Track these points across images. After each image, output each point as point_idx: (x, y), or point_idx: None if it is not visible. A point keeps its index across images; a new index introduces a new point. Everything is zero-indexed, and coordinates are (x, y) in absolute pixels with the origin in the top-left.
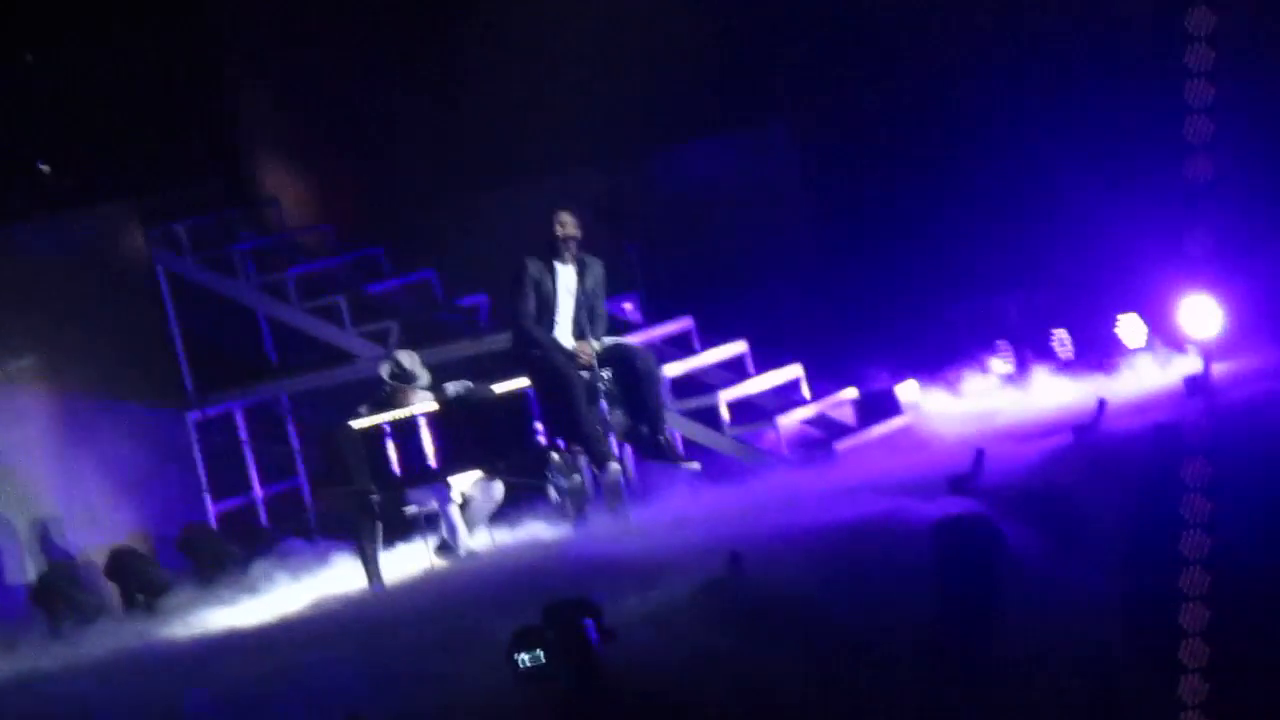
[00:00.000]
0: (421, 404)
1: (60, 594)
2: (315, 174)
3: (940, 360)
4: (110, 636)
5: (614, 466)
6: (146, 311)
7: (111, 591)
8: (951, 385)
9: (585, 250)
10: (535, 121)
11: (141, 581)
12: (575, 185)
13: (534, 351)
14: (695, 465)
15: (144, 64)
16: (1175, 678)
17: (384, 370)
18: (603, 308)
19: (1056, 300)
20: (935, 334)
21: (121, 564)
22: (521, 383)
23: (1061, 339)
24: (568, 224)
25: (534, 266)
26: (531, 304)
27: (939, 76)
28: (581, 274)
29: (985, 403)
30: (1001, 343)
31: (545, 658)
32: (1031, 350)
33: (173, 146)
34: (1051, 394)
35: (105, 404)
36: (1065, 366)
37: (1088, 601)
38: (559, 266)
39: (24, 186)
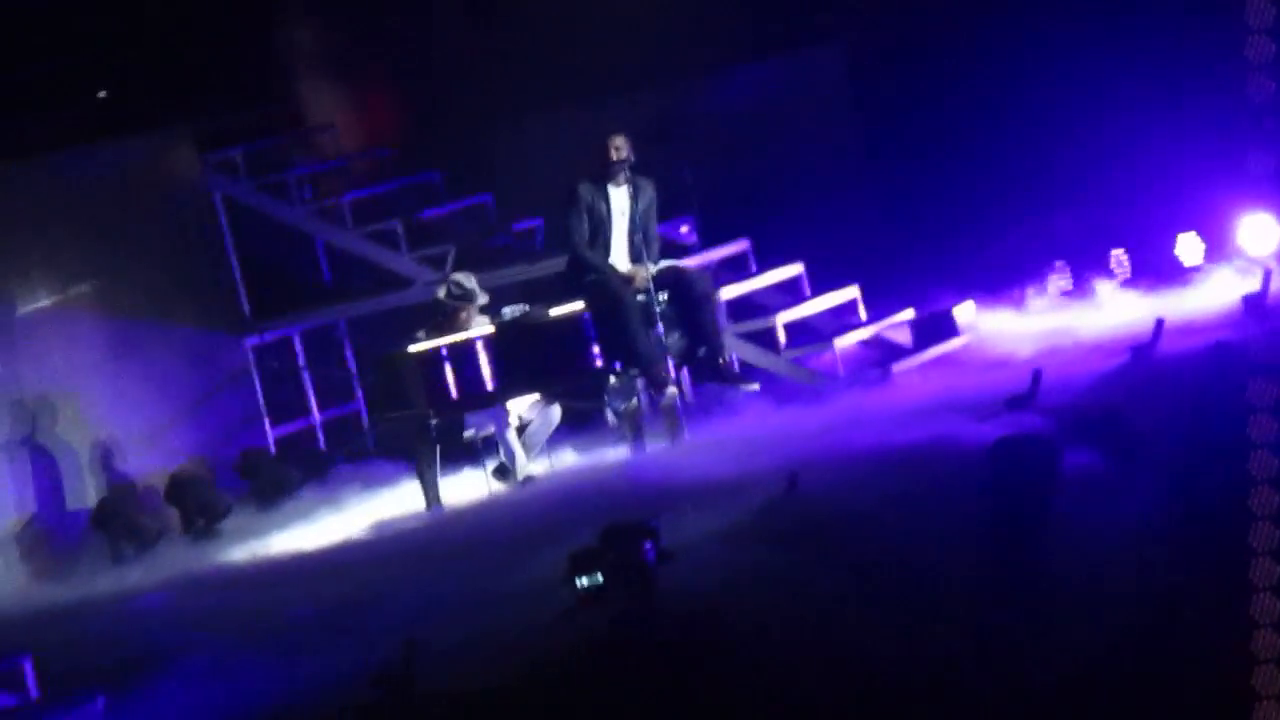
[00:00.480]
0: (478, 328)
1: (120, 518)
2: (371, 99)
3: (998, 280)
4: (170, 560)
5: (670, 390)
6: (203, 236)
7: (171, 515)
8: (1009, 305)
9: (638, 173)
10: (590, 43)
11: (201, 505)
12: (630, 107)
13: (589, 275)
14: (753, 386)
15: None
16: (1232, 597)
17: (441, 291)
18: (656, 230)
19: (1115, 219)
20: (993, 254)
21: (181, 488)
22: (577, 306)
23: (1119, 258)
24: (620, 146)
25: (586, 190)
26: (585, 228)
27: None
28: (634, 196)
29: (1043, 323)
30: (1059, 262)
31: (603, 579)
32: (1089, 269)
33: (230, 71)
34: (1109, 313)
35: (163, 329)
36: (1123, 285)
37: (1145, 521)
38: (611, 189)
39: (81, 111)
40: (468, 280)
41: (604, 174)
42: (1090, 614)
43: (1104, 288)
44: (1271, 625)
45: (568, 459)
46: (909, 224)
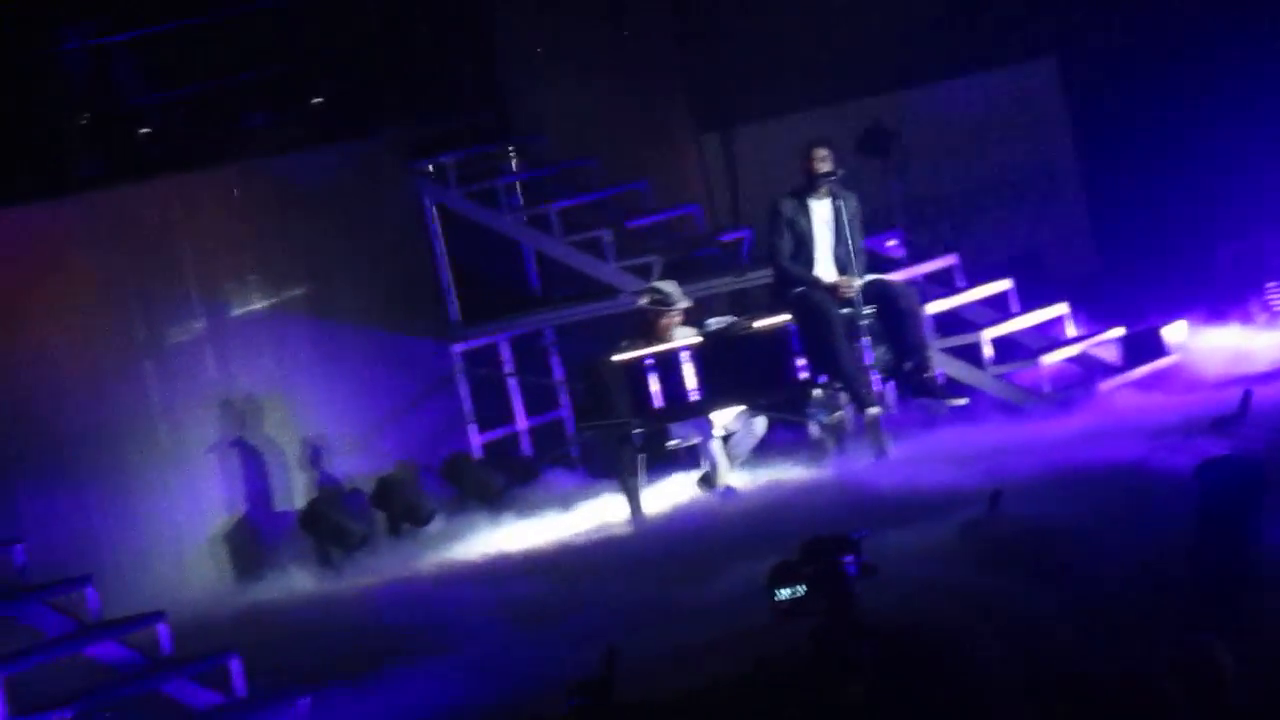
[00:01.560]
0: (683, 338)
1: (327, 520)
2: (581, 108)
3: (1210, 299)
4: (376, 563)
5: (873, 410)
6: (413, 243)
7: (377, 518)
8: (1220, 325)
9: (844, 184)
10: (798, 55)
11: (407, 509)
12: (839, 119)
13: (794, 288)
14: (960, 401)
15: None
16: None
17: (643, 299)
18: (862, 242)
19: None
20: (1205, 272)
21: (388, 491)
22: (783, 318)
23: None
24: (823, 158)
25: (787, 204)
26: (788, 242)
27: (1209, 12)
28: (837, 208)
29: (1253, 344)
30: (1272, 282)
31: (803, 592)
32: None
33: (441, 79)
34: None
35: (372, 333)
36: None
37: None
38: (813, 202)
39: (295, 117)
40: (668, 286)
41: (806, 186)
42: None
43: None
44: None
45: (771, 471)
46: (1120, 240)
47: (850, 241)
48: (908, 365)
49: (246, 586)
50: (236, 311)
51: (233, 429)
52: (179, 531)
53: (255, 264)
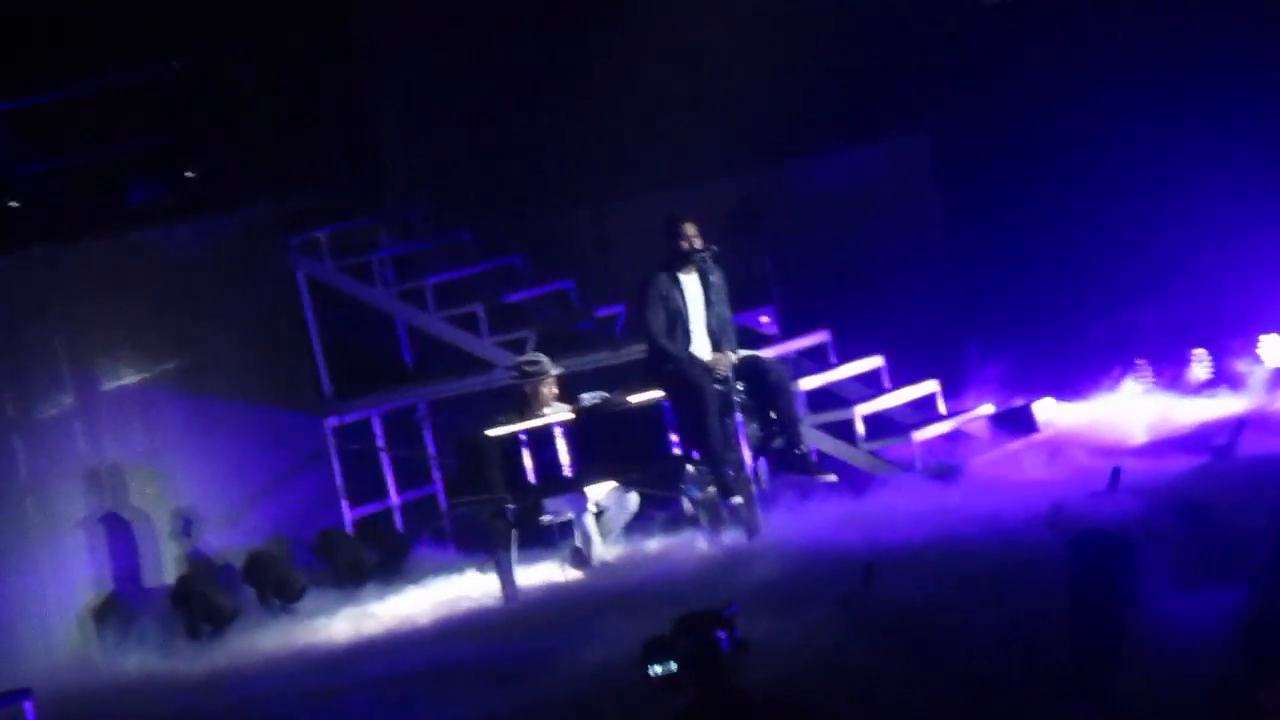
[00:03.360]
0: (557, 413)
1: (198, 596)
2: (455, 182)
3: (1077, 376)
4: (246, 639)
5: (736, 500)
6: (286, 316)
7: (248, 593)
8: (1089, 401)
9: (715, 259)
10: (672, 131)
11: (278, 584)
12: (711, 195)
13: (669, 364)
14: (831, 477)
15: (287, 70)
16: None
17: (512, 373)
18: (729, 315)
19: (1197, 317)
20: (1074, 349)
21: (259, 566)
22: (657, 393)
23: (1201, 356)
24: (691, 234)
25: (660, 280)
26: (661, 318)
27: (1078, 89)
28: (706, 283)
29: (1123, 419)
30: (1140, 359)
31: (677, 668)
32: (1170, 367)
33: (315, 152)
34: (1189, 412)
35: (245, 407)
36: (1204, 385)
37: (1225, 624)
38: (683, 277)
39: (169, 189)
40: (537, 356)
41: (676, 262)
42: (1166, 712)
43: (1184, 386)
44: None
45: (644, 546)
46: (991, 316)
47: (720, 315)
48: (779, 441)
49: (115, 663)
50: (108, 385)
51: (103, 503)
52: (46, 607)
53: (127, 337)
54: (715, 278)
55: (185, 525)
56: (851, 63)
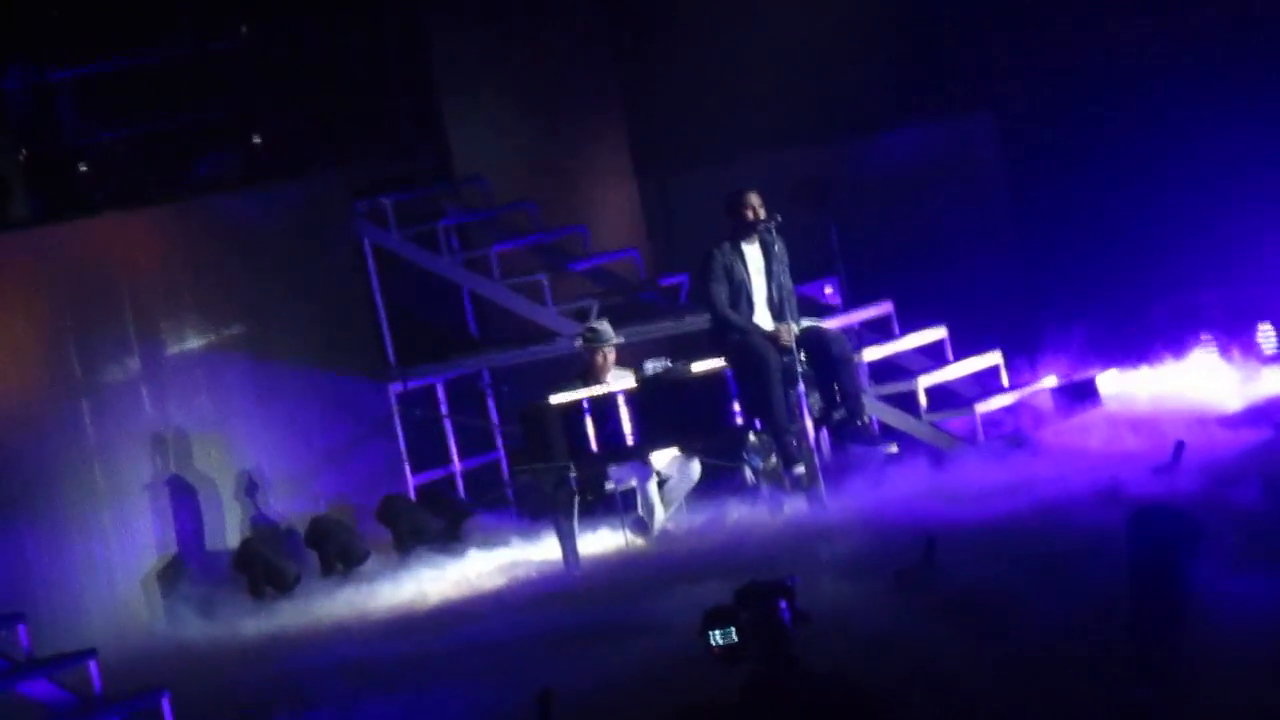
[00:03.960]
0: (620, 381)
1: (261, 560)
2: (519, 151)
3: (1143, 351)
4: (309, 603)
5: (798, 469)
6: (351, 283)
7: (311, 559)
8: (1154, 375)
9: (778, 229)
10: (738, 102)
11: (341, 550)
12: (777, 165)
13: (733, 334)
14: (893, 448)
15: (356, 37)
16: None
17: (577, 342)
18: (792, 286)
19: (1262, 293)
20: (1138, 324)
21: (322, 532)
22: (720, 363)
23: (1266, 332)
24: (755, 205)
25: (722, 253)
26: (724, 290)
27: (1147, 67)
28: (767, 253)
29: (1188, 394)
30: (1205, 334)
31: (737, 637)
32: (1235, 343)
33: (383, 121)
34: (1254, 387)
35: (309, 374)
36: (1269, 360)
37: None
38: (746, 249)
39: (236, 158)
40: (600, 324)
41: (739, 233)
42: (1228, 695)
43: (1250, 361)
44: None
45: (706, 515)
46: (1055, 292)
47: (782, 286)
48: (841, 412)
49: (180, 626)
50: (173, 351)
51: (168, 468)
52: (112, 570)
53: (193, 304)
54: (778, 248)
55: (248, 493)
56: (918, 38)
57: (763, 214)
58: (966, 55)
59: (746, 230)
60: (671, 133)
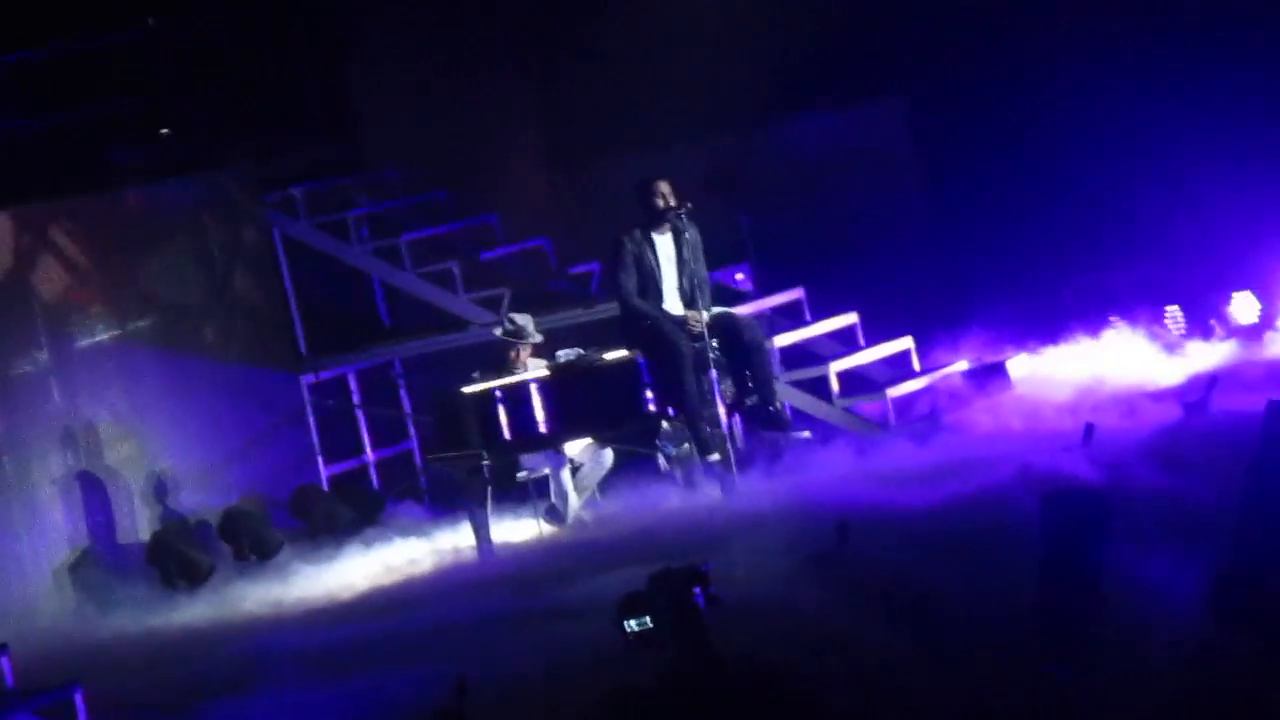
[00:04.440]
0: (533, 370)
1: (174, 553)
2: (430, 141)
3: (1052, 334)
4: (221, 595)
5: (714, 456)
6: (262, 274)
7: (224, 551)
8: (1063, 358)
9: (690, 216)
10: (648, 89)
11: (254, 541)
12: (687, 153)
13: (643, 323)
14: (805, 434)
15: (263, 28)
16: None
17: (498, 330)
18: (705, 273)
19: (1171, 275)
20: (1047, 308)
21: (235, 523)
22: (631, 352)
23: (1174, 314)
24: (665, 193)
25: (631, 240)
26: (633, 279)
27: (1056, 51)
28: (678, 241)
29: (1096, 377)
30: (1114, 317)
31: (652, 623)
32: (1144, 324)
33: (291, 111)
34: (1162, 370)
35: (221, 365)
36: (1176, 342)
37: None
38: (656, 237)
39: (147, 148)
40: (522, 319)
41: (649, 221)
42: (1139, 672)
43: (1157, 343)
44: None
45: (619, 503)
46: (965, 276)
47: (695, 273)
48: (753, 399)
49: (91, 620)
50: (83, 343)
51: (79, 461)
52: (23, 564)
53: (104, 295)
54: (690, 235)
55: (160, 485)
56: (829, 24)
57: (673, 202)
58: (877, 40)
59: (657, 218)
60: (583, 122)
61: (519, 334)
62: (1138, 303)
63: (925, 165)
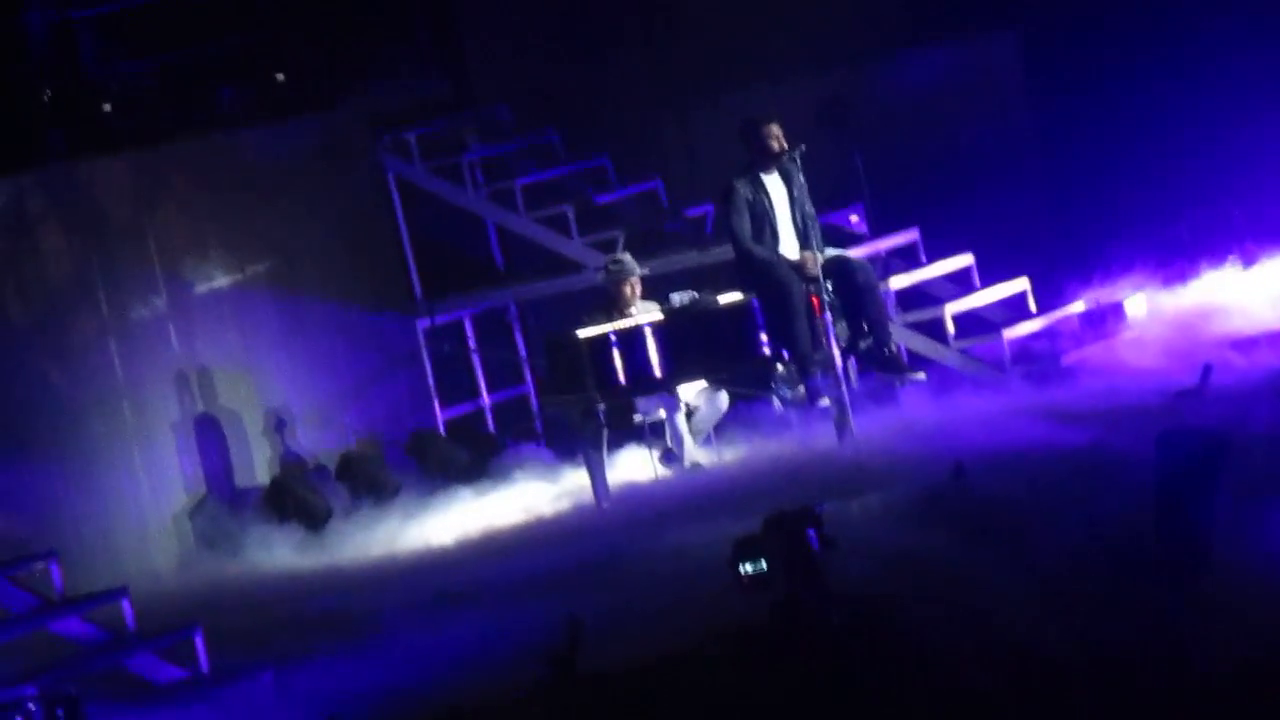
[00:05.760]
0: (647, 314)
1: (292, 496)
2: (544, 82)
3: (1171, 272)
4: (340, 538)
5: (826, 400)
6: (377, 218)
7: (341, 493)
8: (1182, 298)
9: (800, 158)
10: (761, 27)
11: (371, 485)
12: (800, 92)
13: (756, 266)
14: (920, 376)
15: None
16: None
17: (600, 275)
18: (814, 214)
19: None
20: (1164, 245)
21: (351, 466)
22: (745, 295)
23: None
24: (774, 133)
25: (742, 185)
26: (747, 223)
27: None
28: (789, 181)
29: (1216, 316)
30: (1233, 254)
31: (767, 566)
32: (1264, 260)
33: (403, 53)
34: None
35: (337, 309)
36: None
37: None
38: (766, 179)
39: (258, 91)
40: (622, 255)
41: (759, 164)
42: (1260, 606)
43: (1277, 278)
44: None
45: (734, 445)
46: (1079, 214)
47: (807, 215)
48: (867, 341)
49: (210, 562)
50: (200, 288)
51: (196, 405)
52: (143, 507)
53: (219, 239)
54: (800, 176)
55: (279, 426)
56: None
57: (785, 144)
58: None
59: (767, 160)
60: (693, 61)
61: (621, 269)
62: (1258, 239)
63: (1038, 101)
